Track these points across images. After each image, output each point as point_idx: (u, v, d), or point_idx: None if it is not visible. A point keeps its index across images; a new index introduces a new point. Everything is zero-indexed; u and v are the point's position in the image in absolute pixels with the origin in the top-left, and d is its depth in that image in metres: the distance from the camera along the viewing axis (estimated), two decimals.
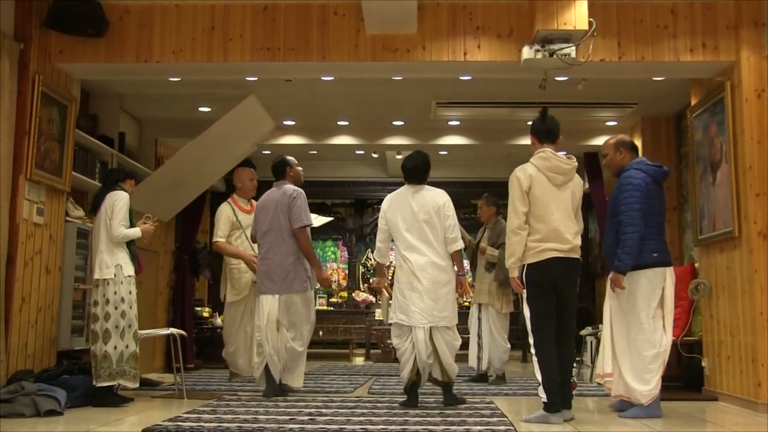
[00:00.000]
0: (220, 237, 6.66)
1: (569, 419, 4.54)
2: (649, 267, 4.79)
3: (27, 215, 5.37)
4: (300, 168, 6.09)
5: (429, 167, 5.30)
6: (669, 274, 4.87)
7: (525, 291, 4.61)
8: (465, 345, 7.76)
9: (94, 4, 5.54)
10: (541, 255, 4.54)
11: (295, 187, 5.79)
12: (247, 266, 6.54)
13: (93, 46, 5.73)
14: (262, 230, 5.74)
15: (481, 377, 7.03)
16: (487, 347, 6.96)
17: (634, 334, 4.81)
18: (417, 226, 5.12)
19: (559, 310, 4.61)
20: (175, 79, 6.60)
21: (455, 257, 5.19)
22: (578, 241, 4.64)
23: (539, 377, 4.50)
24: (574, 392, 4.72)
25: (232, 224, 6.72)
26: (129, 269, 5.29)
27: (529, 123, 8.42)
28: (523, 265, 4.59)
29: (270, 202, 5.76)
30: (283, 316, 5.57)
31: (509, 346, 7.00)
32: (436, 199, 5.17)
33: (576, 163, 4.73)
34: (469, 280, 7.49)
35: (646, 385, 4.75)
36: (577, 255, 4.63)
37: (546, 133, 4.77)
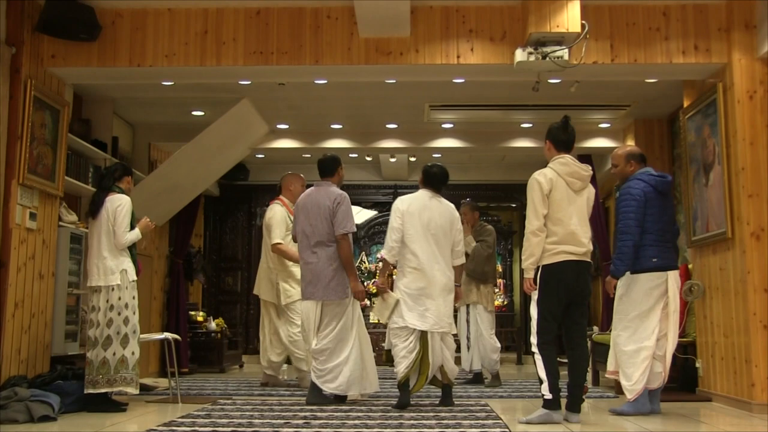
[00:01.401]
0: (281, 239, 6.52)
1: (576, 422, 4.57)
2: (647, 271, 5.01)
3: (20, 220, 5.35)
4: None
5: (448, 179, 5.55)
6: (672, 278, 5.03)
7: (536, 292, 4.67)
8: (458, 348, 7.80)
9: (87, 9, 5.53)
10: (556, 257, 4.61)
11: (340, 191, 5.58)
12: None
13: (86, 51, 5.71)
14: (305, 233, 5.53)
15: (476, 378, 7.04)
16: (476, 347, 7.00)
17: (619, 330, 5.07)
18: (435, 233, 5.28)
19: (571, 312, 4.70)
20: (168, 83, 6.59)
21: (458, 270, 5.48)
22: (591, 246, 4.75)
23: (543, 376, 4.54)
24: (584, 396, 4.77)
25: (288, 226, 6.56)
26: (133, 274, 5.26)
27: (524, 125, 8.58)
28: (538, 267, 4.66)
29: (312, 204, 5.53)
30: (323, 321, 5.44)
31: (499, 345, 7.03)
32: (452, 211, 5.43)
33: (592, 171, 4.86)
34: None
35: (627, 380, 4.98)
36: (589, 258, 4.73)
37: (565, 143, 4.85)
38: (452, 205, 5.50)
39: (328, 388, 5.35)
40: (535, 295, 4.68)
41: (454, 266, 5.40)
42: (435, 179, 5.46)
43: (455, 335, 5.50)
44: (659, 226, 5.05)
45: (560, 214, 4.65)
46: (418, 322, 5.17)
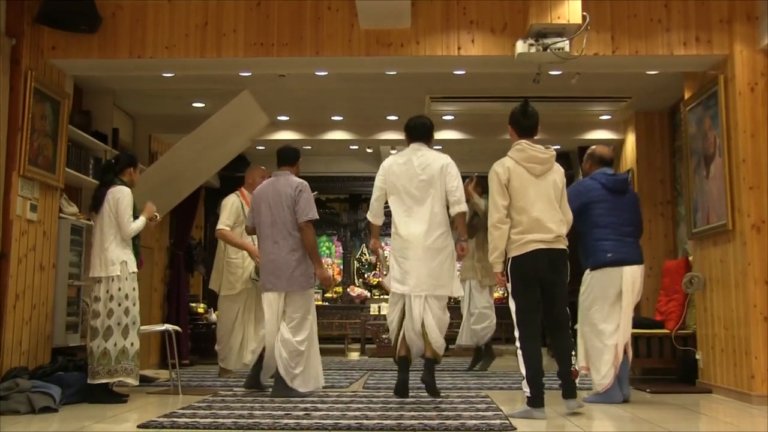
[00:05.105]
0: (226, 225, 6.64)
1: (576, 408, 4.60)
2: (602, 267, 5.10)
3: (20, 212, 5.35)
4: None
5: (433, 129, 5.27)
6: (627, 273, 5.06)
7: (509, 285, 4.60)
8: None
9: (87, 0, 5.51)
10: (524, 248, 4.52)
11: (300, 179, 5.59)
12: (252, 259, 6.52)
13: (86, 42, 5.70)
14: (266, 222, 5.49)
15: (476, 357, 7.16)
16: (467, 321, 7.12)
17: (584, 326, 5.22)
18: (418, 185, 4.98)
19: (549, 303, 4.61)
20: (169, 75, 6.58)
21: (458, 220, 5.04)
22: (563, 230, 4.62)
23: (523, 371, 4.51)
24: (576, 380, 4.78)
25: (238, 216, 6.72)
26: (133, 266, 5.29)
27: None
28: (508, 259, 4.59)
29: (271, 193, 5.51)
30: (285, 313, 5.42)
31: (491, 316, 7.10)
32: (440, 159, 5.07)
33: (554, 152, 4.72)
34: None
35: (597, 374, 5.12)
36: (562, 245, 4.60)
37: (527, 128, 4.76)
38: (443, 154, 5.12)
39: (294, 384, 5.35)
40: (510, 288, 4.62)
41: (454, 215, 5.01)
42: (413, 131, 5.22)
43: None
44: (612, 220, 5.13)
45: (522, 202, 4.56)
46: (400, 286, 4.94)
